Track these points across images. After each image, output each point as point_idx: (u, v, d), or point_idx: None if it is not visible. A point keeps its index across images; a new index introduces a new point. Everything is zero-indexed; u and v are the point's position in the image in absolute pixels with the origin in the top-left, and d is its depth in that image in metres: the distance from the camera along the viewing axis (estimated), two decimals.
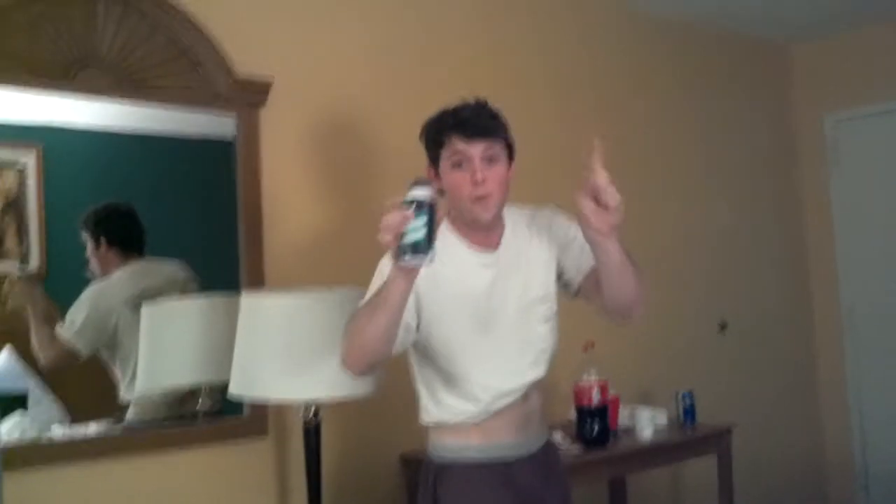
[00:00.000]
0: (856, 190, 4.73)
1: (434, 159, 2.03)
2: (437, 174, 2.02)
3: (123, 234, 2.59)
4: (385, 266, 1.92)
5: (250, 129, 2.74)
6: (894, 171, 4.58)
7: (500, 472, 2.05)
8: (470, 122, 1.98)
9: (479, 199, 1.96)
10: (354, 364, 1.94)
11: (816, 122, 4.84)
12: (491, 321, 2.04)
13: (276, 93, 2.78)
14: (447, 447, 2.08)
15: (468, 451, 2.05)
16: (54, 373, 2.39)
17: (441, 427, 2.08)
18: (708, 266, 4.29)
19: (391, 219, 1.66)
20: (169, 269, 2.66)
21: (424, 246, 1.66)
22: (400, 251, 1.66)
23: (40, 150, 2.41)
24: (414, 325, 1.98)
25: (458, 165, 1.97)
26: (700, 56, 4.40)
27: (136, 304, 2.54)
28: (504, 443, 2.07)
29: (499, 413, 2.05)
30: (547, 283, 2.11)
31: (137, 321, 2.53)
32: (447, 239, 2.03)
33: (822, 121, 4.82)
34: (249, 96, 2.73)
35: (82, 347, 2.47)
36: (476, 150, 1.96)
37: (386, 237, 1.66)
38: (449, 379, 2.04)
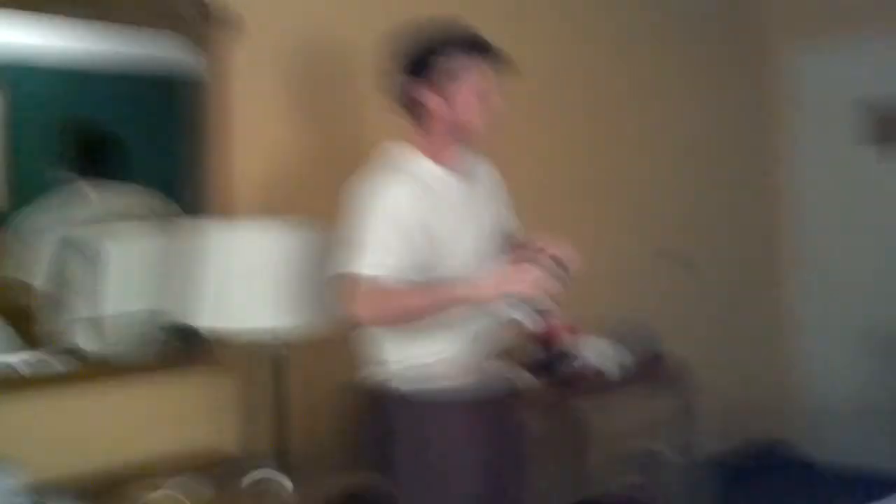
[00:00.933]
0: (816, 123, 4.74)
1: (446, 74, 2.03)
2: (432, 87, 2.03)
3: (76, 154, 2.49)
4: (402, 202, 1.99)
5: (219, 59, 2.67)
6: (859, 104, 4.57)
7: (491, 407, 2.14)
8: (501, 57, 2.08)
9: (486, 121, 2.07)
10: (378, 324, 2.03)
11: (782, 56, 4.81)
12: (476, 242, 2.13)
13: (247, 21, 2.70)
14: (438, 386, 2.06)
15: (461, 389, 2.08)
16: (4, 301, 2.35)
17: (433, 364, 2.06)
18: (673, 203, 4.32)
19: (543, 280, 1.88)
20: (128, 198, 2.58)
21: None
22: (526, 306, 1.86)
23: (3, 87, 2.32)
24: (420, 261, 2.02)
25: (481, 94, 2.05)
26: None
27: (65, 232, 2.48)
28: (490, 374, 2.15)
29: (486, 340, 2.12)
30: (499, 221, 2.26)
31: (60, 250, 2.46)
32: (425, 164, 2.08)
33: (788, 54, 4.79)
34: (218, 24, 2.65)
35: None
36: (497, 83, 2.08)
37: (527, 289, 1.85)
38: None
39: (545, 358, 3.07)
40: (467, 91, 2.04)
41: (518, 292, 1.88)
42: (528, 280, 1.89)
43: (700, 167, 4.49)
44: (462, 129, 2.08)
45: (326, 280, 2.07)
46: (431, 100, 2.05)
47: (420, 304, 1.97)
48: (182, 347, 2.62)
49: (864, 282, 4.61)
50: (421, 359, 2.07)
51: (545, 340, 3.06)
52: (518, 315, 1.90)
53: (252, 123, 2.77)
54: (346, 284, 1.99)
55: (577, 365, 3.23)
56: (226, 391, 2.71)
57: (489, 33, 2.15)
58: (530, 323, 1.90)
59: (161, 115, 2.66)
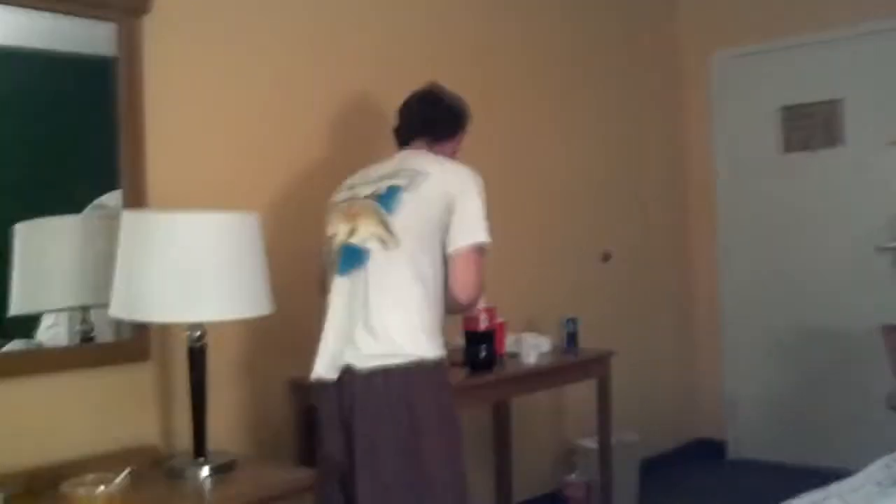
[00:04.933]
0: (737, 127, 4.90)
1: (463, 135, 2.63)
2: (448, 144, 2.58)
3: None
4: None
5: (133, 39, 2.57)
6: (771, 108, 4.75)
7: None
8: None
9: None
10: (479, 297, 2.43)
11: (702, 60, 4.97)
12: None
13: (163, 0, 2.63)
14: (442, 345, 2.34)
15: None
16: None
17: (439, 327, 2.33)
18: (593, 198, 4.38)
19: None
20: None
21: None
22: None
23: None
24: None
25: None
26: None
27: None
28: None
29: None
30: None
31: None
32: None
33: (708, 58, 4.95)
34: (132, 1, 2.56)
35: None
36: None
37: None
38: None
39: (470, 344, 3.05)
40: (457, 151, 2.62)
41: None
42: None
43: (621, 170, 4.58)
44: None
45: (452, 252, 2.31)
46: (452, 148, 2.59)
47: None
48: (107, 341, 2.54)
49: (781, 281, 4.78)
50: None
51: (471, 326, 3.06)
52: None
53: (168, 107, 2.68)
54: (472, 254, 2.32)
55: (500, 352, 3.23)
56: (150, 384, 2.63)
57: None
58: None
59: (77, 98, 2.56)
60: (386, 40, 3.37)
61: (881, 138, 4.43)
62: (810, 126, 4.64)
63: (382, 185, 2.35)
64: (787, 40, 4.66)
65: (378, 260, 2.27)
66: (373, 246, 2.28)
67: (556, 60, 4.20)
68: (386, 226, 2.28)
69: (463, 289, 2.32)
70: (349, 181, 2.49)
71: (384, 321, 2.23)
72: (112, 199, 2.55)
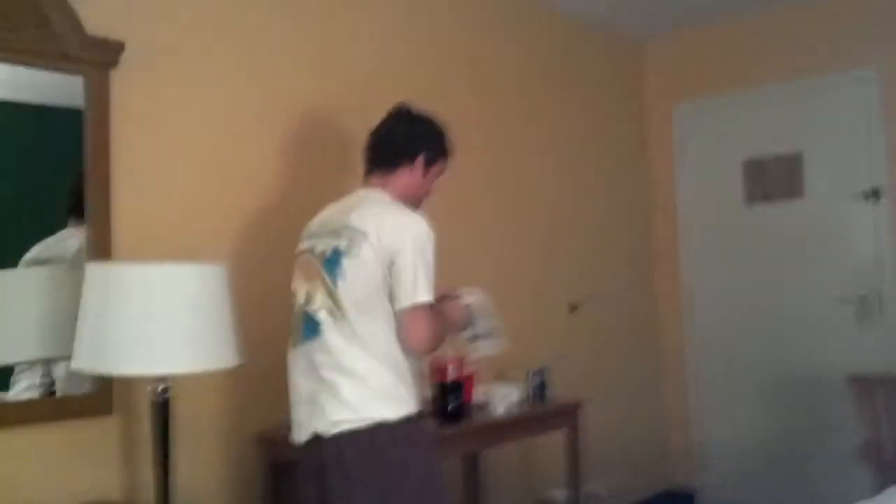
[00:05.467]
0: (701, 178, 4.98)
1: (431, 160, 2.49)
2: (422, 168, 2.48)
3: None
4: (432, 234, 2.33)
5: (100, 92, 2.60)
6: (733, 160, 4.84)
7: None
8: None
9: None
10: (433, 350, 2.37)
11: (666, 113, 5.07)
12: None
13: (130, 54, 2.64)
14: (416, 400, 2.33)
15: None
16: None
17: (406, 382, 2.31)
18: (560, 248, 4.42)
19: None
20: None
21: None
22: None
23: None
24: None
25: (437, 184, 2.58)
26: (558, 47, 4.52)
27: None
28: None
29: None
30: None
31: None
32: None
33: (671, 111, 5.05)
34: (100, 55, 2.58)
35: None
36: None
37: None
38: None
39: (439, 395, 3.04)
40: (433, 175, 2.52)
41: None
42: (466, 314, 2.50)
43: (588, 219, 4.63)
44: (415, 202, 2.48)
45: (396, 313, 2.27)
46: (414, 176, 2.47)
47: (447, 328, 2.40)
48: (71, 394, 2.51)
49: (748, 331, 4.82)
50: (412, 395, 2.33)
51: (440, 377, 3.04)
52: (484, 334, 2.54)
53: (134, 161, 2.69)
54: (414, 315, 2.26)
55: (470, 403, 3.22)
56: (115, 438, 2.59)
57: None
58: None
59: (45, 149, 2.57)
60: (365, 78, 3.41)
61: (840, 191, 4.52)
62: (772, 178, 4.73)
63: (329, 246, 2.32)
64: (747, 92, 4.76)
65: (329, 331, 2.28)
66: (324, 318, 2.29)
67: (524, 114, 4.26)
68: (332, 296, 2.28)
69: (415, 344, 2.29)
70: (310, 228, 2.48)
71: (341, 390, 2.24)
72: (46, 250, 2.52)
